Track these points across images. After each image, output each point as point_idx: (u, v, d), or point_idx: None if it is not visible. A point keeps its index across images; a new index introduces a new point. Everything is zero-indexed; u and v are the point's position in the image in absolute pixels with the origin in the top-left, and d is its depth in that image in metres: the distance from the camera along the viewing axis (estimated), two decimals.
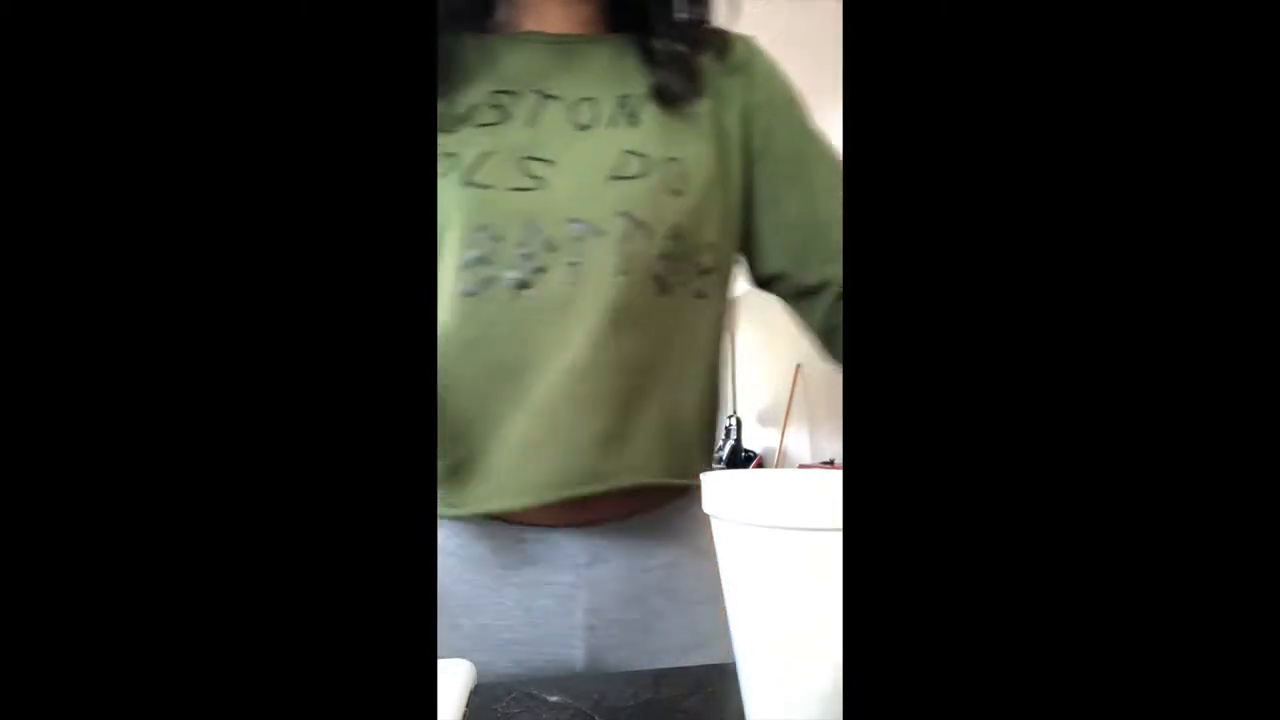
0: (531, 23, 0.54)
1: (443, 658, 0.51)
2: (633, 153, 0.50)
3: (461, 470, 0.50)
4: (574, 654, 0.52)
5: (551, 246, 0.48)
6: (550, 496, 0.48)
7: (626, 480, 0.49)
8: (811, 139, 0.58)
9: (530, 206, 0.48)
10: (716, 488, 0.29)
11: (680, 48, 0.54)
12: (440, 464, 0.51)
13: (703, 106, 0.54)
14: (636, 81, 0.53)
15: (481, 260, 0.48)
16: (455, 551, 0.54)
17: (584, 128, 0.51)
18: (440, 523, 0.54)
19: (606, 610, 0.53)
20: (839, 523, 0.26)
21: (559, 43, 0.54)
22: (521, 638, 0.52)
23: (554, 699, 0.37)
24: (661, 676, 0.42)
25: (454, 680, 0.37)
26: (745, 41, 0.59)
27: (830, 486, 0.34)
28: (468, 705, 0.37)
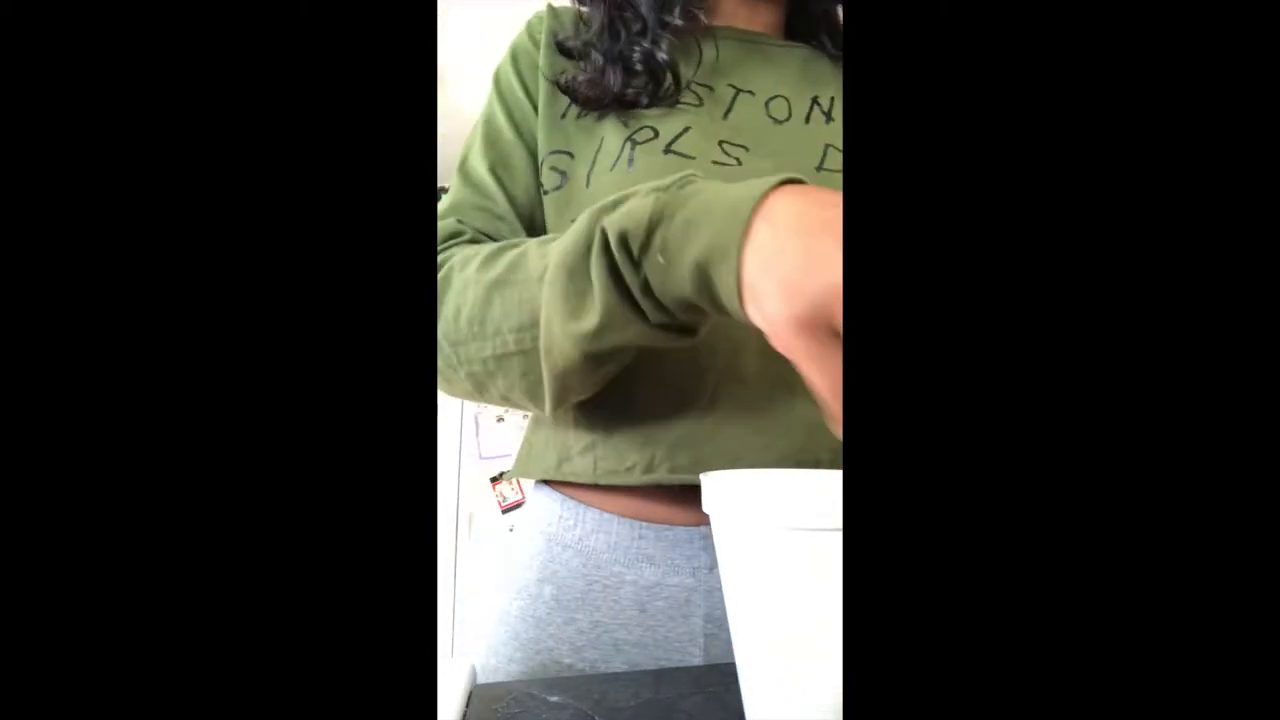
0: (720, 20, 0.56)
1: (559, 651, 0.50)
2: (834, 147, 0.51)
3: (628, 434, 0.49)
4: (692, 661, 0.49)
5: None
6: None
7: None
8: None
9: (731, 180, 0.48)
10: (716, 487, 0.29)
11: None
12: (601, 426, 0.49)
13: None
14: (828, 85, 0.55)
15: None
16: (572, 545, 0.52)
17: (779, 122, 0.53)
18: (555, 510, 0.53)
19: (725, 620, 0.50)
20: (839, 523, 0.25)
21: (750, 41, 0.56)
22: (636, 639, 0.49)
23: (554, 699, 0.37)
24: (661, 676, 0.42)
25: (454, 680, 0.37)
26: None
27: (830, 486, 0.34)
28: (468, 705, 0.37)
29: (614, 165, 0.50)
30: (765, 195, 0.30)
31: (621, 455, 0.49)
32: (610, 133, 0.51)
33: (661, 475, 0.47)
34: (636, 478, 0.48)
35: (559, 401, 0.43)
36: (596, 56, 0.51)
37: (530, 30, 0.56)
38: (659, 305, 0.34)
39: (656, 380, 0.48)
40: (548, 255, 0.38)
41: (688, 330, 0.36)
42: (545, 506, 0.55)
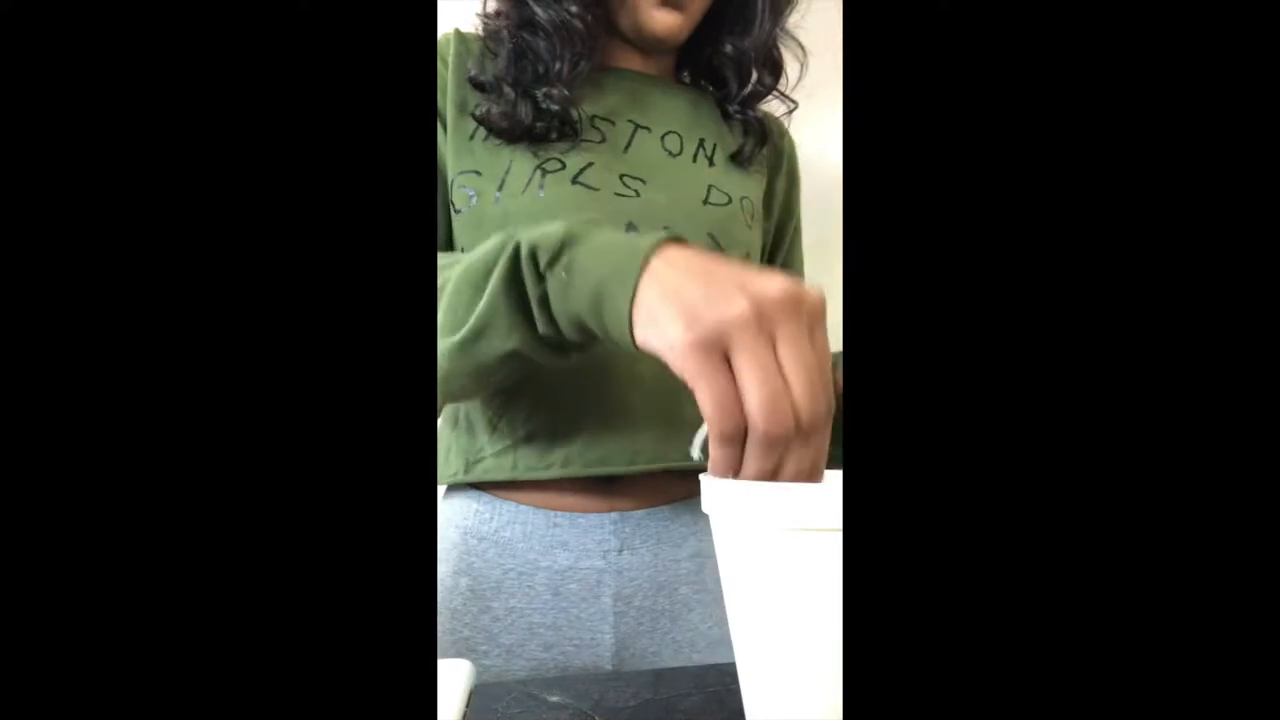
0: (617, 64, 0.61)
1: (474, 640, 0.53)
2: (715, 187, 0.58)
3: (548, 435, 0.54)
4: (602, 639, 0.54)
5: None
6: (654, 466, 0.54)
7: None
8: (797, 215, 0.71)
9: (631, 210, 0.54)
10: (715, 487, 0.29)
11: (753, 115, 0.63)
12: (522, 429, 0.54)
13: (760, 158, 0.65)
14: (711, 130, 0.62)
15: None
16: (488, 536, 0.56)
17: (673, 155, 0.59)
18: (471, 505, 0.57)
19: (633, 597, 0.55)
20: (838, 523, 0.25)
21: (646, 81, 0.61)
22: (550, 622, 0.54)
23: (554, 699, 0.37)
24: (661, 676, 0.42)
25: (454, 680, 0.37)
26: (776, 119, 0.69)
27: (829, 487, 0.34)
28: (468, 705, 0.37)
29: (525, 190, 0.53)
30: (661, 242, 0.35)
31: (541, 454, 0.54)
32: (519, 157, 0.55)
33: (576, 469, 0.53)
34: (555, 472, 0.53)
35: (441, 404, 0.46)
36: (509, 91, 0.55)
37: (439, 51, 0.59)
38: (551, 319, 0.37)
39: (569, 386, 0.53)
40: (455, 266, 0.41)
41: (563, 349, 0.39)
42: (460, 504, 0.59)
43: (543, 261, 0.36)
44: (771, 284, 0.30)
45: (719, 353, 0.30)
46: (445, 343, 0.39)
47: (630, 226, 0.54)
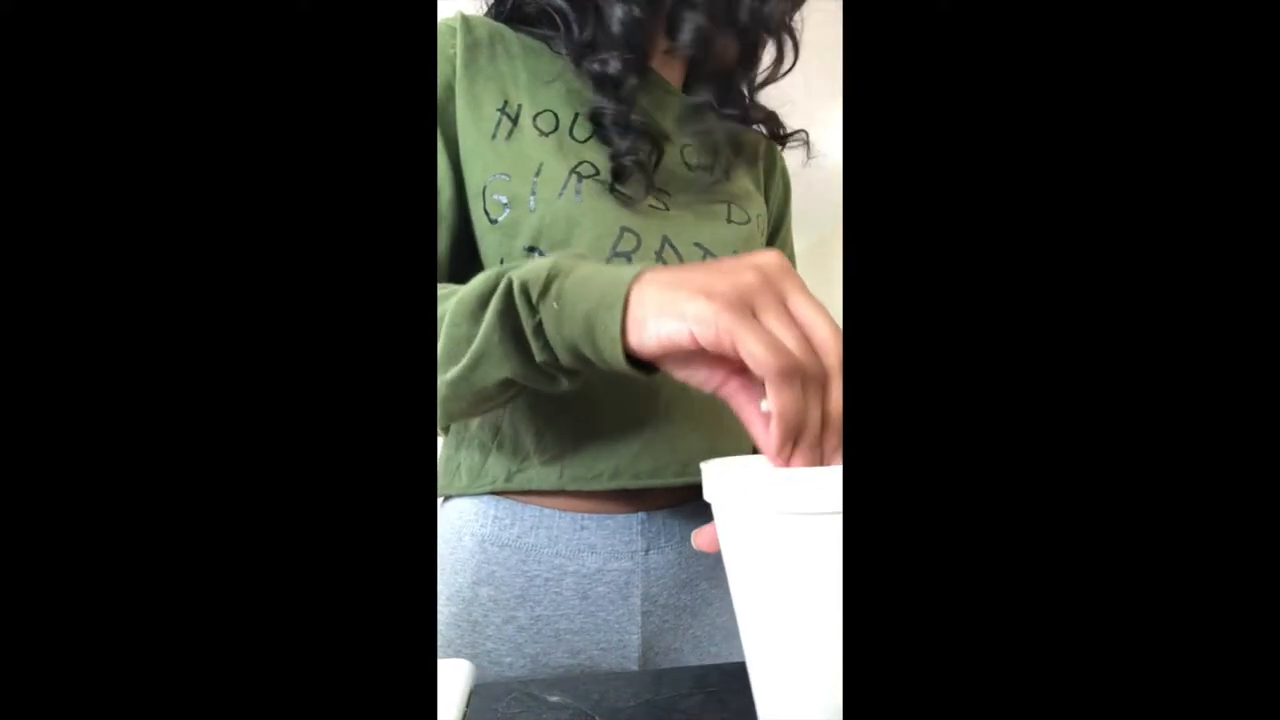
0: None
1: (498, 652, 0.52)
2: (733, 204, 0.59)
3: (596, 447, 0.53)
4: (630, 640, 0.54)
5: (680, 260, 0.54)
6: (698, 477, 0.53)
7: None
8: (788, 219, 0.71)
9: (664, 223, 0.55)
10: (717, 475, 0.29)
11: (756, 115, 0.65)
12: (569, 440, 0.53)
13: (759, 173, 0.66)
14: (723, 143, 0.61)
15: (622, 255, 0.53)
16: (509, 543, 0.54)
17: (691, 168, 0.59)
18: (488, 512, 0.55)
19: (659, 596, 0.55)
20: (838, 507, 0.26)
21: (665, 88, 0.61)
22: (578, 627, 0.53)
23: (554, 699, 0.37)
24: (662, 676, 0.42)
25: (454, 680, 0.37)
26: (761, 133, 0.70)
27: (828, 472, 0.34)
28: (468, 705, 0.37)
29: (561, 194, 0.51)
30: (644, 268, 0.36)
31: (589, 464, 0.53)
32: (550, 156, 0.52)
33: (626, 480, 0.52)
34: (604, 483, 0.52)
35: (442, 425, 0.46)
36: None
37: (442, 43, 0.54)
38: (546, 345, 0.38)
39: (618, 396, 0.53)
40: (452, 298, 0.42)
41: (555, 378, 0.41)
42: (474, 510, 0.55)
43: (534, 294, 0.38)
44: (763, 254, 0.34)
45: (749, 308, 0.32)
46: (444, 374, 0.41)
47: (666, 242, 0.53)
